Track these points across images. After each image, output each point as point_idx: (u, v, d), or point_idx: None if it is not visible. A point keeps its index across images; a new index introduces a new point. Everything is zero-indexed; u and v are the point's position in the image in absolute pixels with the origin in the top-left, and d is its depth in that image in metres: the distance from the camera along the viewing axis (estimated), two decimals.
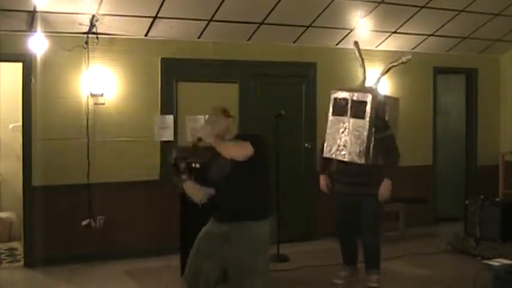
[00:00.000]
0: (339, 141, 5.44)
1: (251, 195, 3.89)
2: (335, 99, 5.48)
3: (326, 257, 6.39)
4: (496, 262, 4.99)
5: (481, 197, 6.90)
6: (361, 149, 5.31)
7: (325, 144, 5.59)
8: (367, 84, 5.83)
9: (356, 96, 5.36)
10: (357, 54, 5.83)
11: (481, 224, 6.73)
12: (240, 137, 3.98)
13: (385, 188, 5.49)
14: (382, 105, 5.54)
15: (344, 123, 5.41)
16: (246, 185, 3.86)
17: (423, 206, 8.27)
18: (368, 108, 5.26)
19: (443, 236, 7.36)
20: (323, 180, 5.85)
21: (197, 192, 3.94)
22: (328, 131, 5.55)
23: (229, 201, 3.88)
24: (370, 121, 5.29)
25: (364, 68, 5.80)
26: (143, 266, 6.44)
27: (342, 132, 5.42)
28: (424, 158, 8.54)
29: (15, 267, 6.50)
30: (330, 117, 5.51)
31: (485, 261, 5.15)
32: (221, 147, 3.78)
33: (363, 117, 5.30)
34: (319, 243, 7.23)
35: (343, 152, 5.42)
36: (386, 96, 6.11)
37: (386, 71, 5.81)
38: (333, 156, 5.52)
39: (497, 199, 7.23)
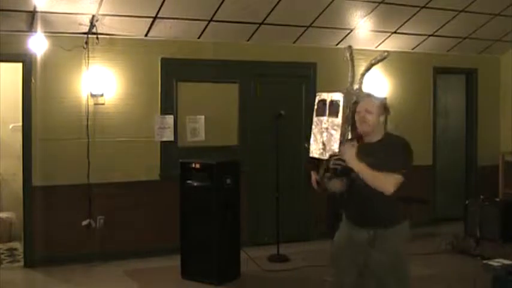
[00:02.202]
0: (320, 140, 5.61)
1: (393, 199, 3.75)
2: (318, 101, 5.68)
3: (326, 257, 6.37)
4: (496, 262, 4.99)
5: (481, 197, 6.91)
6: (337, 146, 5.43)
7: (311, 144, 5.72)
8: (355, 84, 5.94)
9: (332, 96, 5.57)
10: (348, 56, 5.91)
11: (481, 224, 6.74)
12: (388, 140, 3.82)
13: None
14: None
15: (324, 123, 5.59)
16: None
17: (423, 206, 8.26)
18: (340, 107, 5.42)
19: (443, 236, 7.37)
20: (313, 176, 5.92)
21: (339, 185, 3.91)
22: (312, 132, 5.72)
23: (377, 206, 3.73)
24: (343, 119, 5.45)
25: (353, 72, 5.90)
26: (143, 266, 6.45)
27: (323, 132, 5.60)
28: (424, 158, 8.53)
29: (15, 267, 6.49)
30: (314, 118, 5.72)
31: (485, 261, 5.15)
32: (365, 175, 3.60)
33: (336, 115, 5.48)
34: (319, 243, 7.22)
35: (323, 151, 5.57)
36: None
37: (367, 69, 5.89)
38: (317, 155, 5.64)
39: (497, 199, 7.24)
